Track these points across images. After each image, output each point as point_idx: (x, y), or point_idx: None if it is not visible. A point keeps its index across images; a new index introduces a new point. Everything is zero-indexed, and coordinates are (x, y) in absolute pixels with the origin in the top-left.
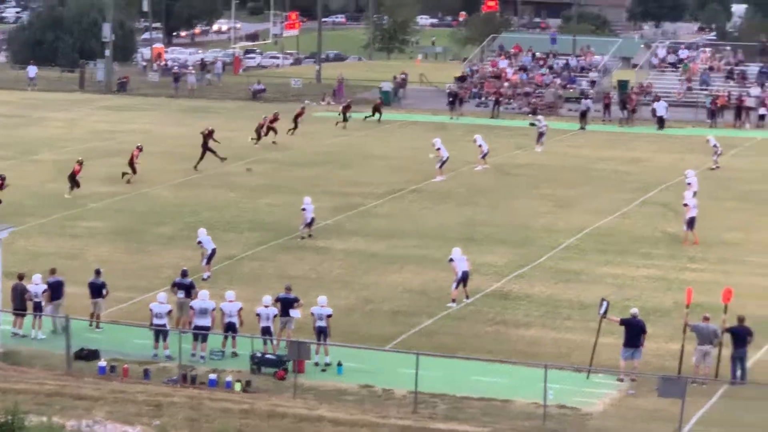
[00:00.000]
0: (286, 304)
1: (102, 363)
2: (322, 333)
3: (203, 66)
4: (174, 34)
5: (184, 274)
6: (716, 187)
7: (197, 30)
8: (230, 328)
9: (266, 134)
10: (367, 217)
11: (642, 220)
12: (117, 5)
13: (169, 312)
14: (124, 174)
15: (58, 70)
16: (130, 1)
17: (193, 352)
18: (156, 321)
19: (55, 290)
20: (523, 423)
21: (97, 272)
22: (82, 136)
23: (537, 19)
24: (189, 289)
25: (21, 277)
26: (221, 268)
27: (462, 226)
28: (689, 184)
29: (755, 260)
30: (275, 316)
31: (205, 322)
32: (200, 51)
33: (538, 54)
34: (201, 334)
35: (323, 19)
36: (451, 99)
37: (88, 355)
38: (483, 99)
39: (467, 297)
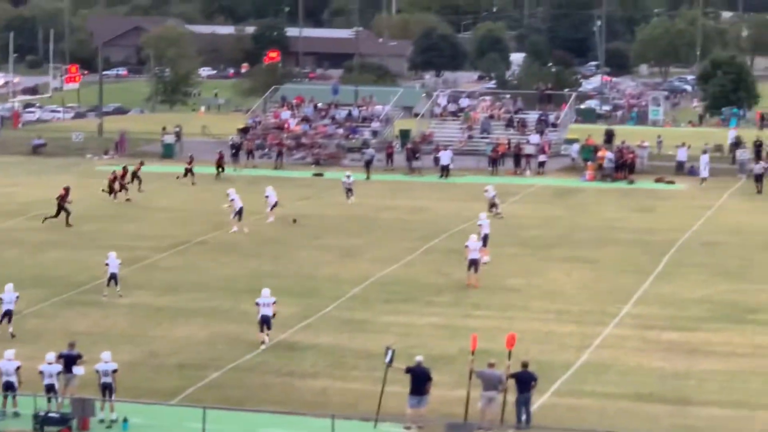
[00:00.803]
0: (69, 361)
1: None
2: (107, 389)
3: None
4: None
5: None
6: (497, 233)
7: None
8: (9, 387)
9: (120, 190)
10: (152, 271)
11: (426, 268)
12: None
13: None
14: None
15: None
16: None
17: None
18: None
19: None
20: None
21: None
22: None
23: (319, 70)
24: None
25: None
26: (3, 325)
27: (248, 278)
28: (480, 225)
29: (537, 305)
30: (59, 373)
31: (10, 378)
32: None
33: (320, 104)
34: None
35: (105, 72)
36: (234, 151)
37: None
38: (266, 150)
39: (263, 342)
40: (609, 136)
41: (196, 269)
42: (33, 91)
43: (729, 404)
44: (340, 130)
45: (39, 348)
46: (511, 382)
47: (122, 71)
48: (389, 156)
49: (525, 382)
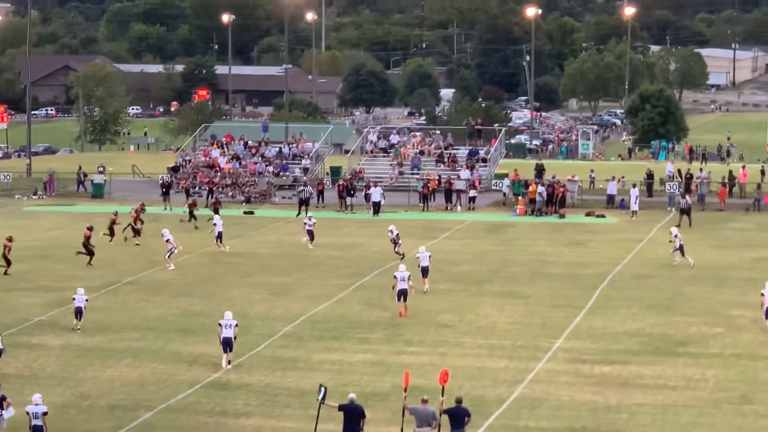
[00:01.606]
0: None
1: None
2: None
3: None
4: None
5: None
6: (429, 269)
7: None
8: None
9: (134, 234)
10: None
11: (358, 305)
12: None
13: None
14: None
15: None
16: None
17: None
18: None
19: None
20: None
21: None
22: None
23: (249, 107)
24: None
25: None
26: None
27: (178, 317)
28: (418, 257)
29: (469, 341)
30: None
31: None
32: None
33: (250, 142)
34: None
35: (33, 112)
36: (164, 190)
37: None
38: (197, 189)
39: (229, 363)
40: (539, 171)
41: (126, 309)
42: None
43: None
44: (270, 168)
45: None
46: (445, 418)
47: (51, 111)
48: (320, 193)
49: (459, 417)
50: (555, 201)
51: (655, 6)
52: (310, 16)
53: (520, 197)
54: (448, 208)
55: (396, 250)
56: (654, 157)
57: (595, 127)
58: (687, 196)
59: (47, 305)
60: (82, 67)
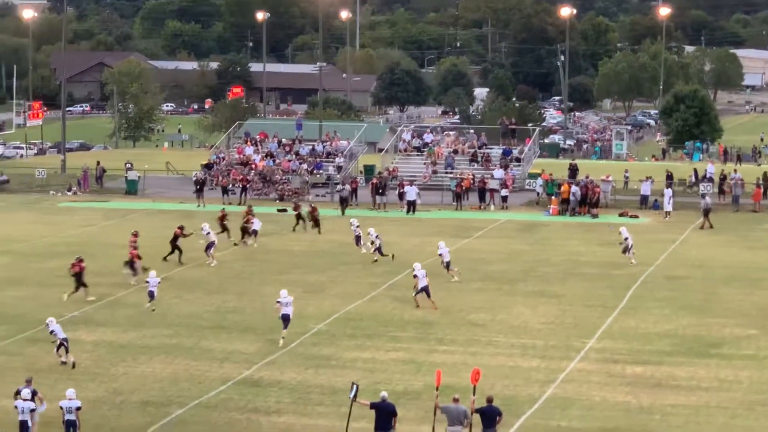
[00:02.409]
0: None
1: None
2: (71, 426)
3: None
4: None
5: None
6: (462, 268)
7: None
8: None
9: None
10: (115, 308)
11: (390, 304)
12: None
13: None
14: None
15: None
16: None
17: None
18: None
19: None
20: None
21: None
22: None
23: (283, 105)
24: None
25: None
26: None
27: (211, 314)
28: (441, 254)
29: (502, 340)
30: (32, 410)
31: None
32: None
33: (284, 140)
34: None
35: (68, 108)
36: (198, 187)
37: None
38: (230, 186)
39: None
40: (573, 171)
41: (159, 306)
42: None
43: None
44: (304, 166)
45: (3, 385)
46: (477, 417)
47: (86, 107)
48: (353, 191)
49: (490, 417)
50: (588, 201)
51: (691, 6)
52: (344, 14)
53: (553, 197)
54: (482, 207)
55: (376, 248)
56: (689, 158)
57: (629, 128)
58: (707, 197)
59: (81, 301)
60: (116, 64)
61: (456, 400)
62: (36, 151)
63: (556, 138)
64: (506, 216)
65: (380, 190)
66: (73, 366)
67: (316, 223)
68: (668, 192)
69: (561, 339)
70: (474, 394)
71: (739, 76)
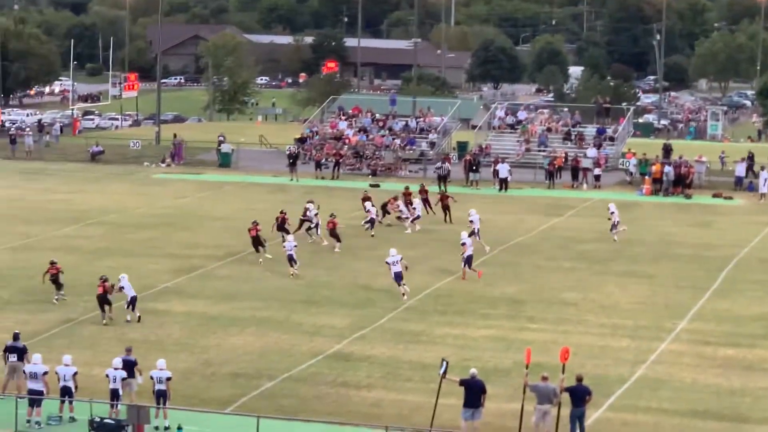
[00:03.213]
0: (128, 367)
1: None
2: (161, 396)
3: (41, 127)
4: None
5: (16, 337)
6: (553, 246)
7: (32, 91)
8: (66, 392)
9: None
10: (207, 280)
11: (482, 281)
12: None
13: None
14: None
15: None
16: None
17: (28, 418)
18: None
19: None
20: None
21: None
22: None
23: (377, 81)
24: (22, 353)
25: None
26: (60, 331)
27: (303, 288)
28: (471, 221)
29: (592, 319)
30: (123, 378)
31: (38, 386)
32: (38, 112)
33: (377, 115)
34: (36, 399)
35: (163, 80)
36: (291, 161)
37: None
38: (324, 161)
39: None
40: (667, 151)
41: (250, 279)
42: (92, 98)
43: None
44: (397, 141)
45: (95, 354)
46: (566, 397)
47: (179, 79)
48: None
49: (579, 396)
50: (682, 181)
51: None
52: None
53: (646, 177)
54: (574, 186)
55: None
56: None
57: (725, 108)
58: None
59: (173, 272)
60: (212, 37)
61: (545, 379)
62: (131, 123)
63: (650, 118)
64: (599, 195)
65: (474, 167)
66: (138, 320)
67: (446, 209)
68: (764, 174)
69: (652, 319)
70: (563, 373)
71: None
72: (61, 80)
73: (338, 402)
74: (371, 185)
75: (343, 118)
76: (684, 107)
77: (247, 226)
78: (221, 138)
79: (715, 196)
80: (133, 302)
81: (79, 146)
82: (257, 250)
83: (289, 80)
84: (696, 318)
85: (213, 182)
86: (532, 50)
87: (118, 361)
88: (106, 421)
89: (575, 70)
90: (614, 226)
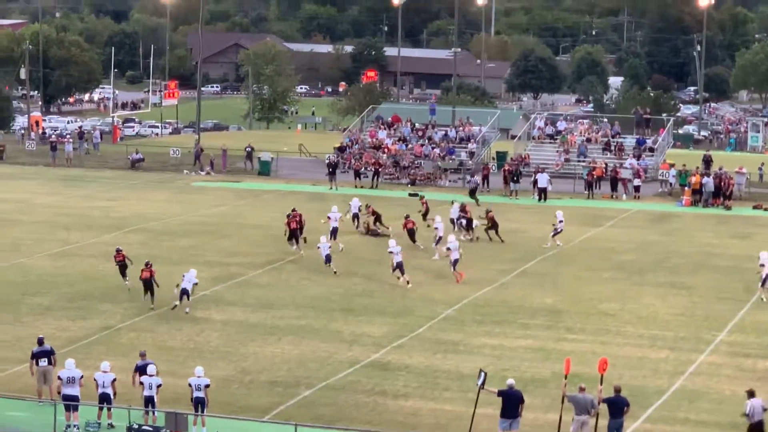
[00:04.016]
0: (144, 370)
1: None
2: (199, 404)
3: (81, 135)
4: (52, 102)
5: (41, 341)
6: (592, 257)
7: (72, 99)
8: (104, 399)
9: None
10: (246, 288)
11: (521, 291)
12: None
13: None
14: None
15: None
16: (7, 70)
17: (67, 423)
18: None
19: None
20: None
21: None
22: None
23: (416, 90)
24: (50, 356)
25: None
26: (98, 338)
27: (340, 297)
28: (436, 228)
29: (631, 330)
30: (159, 386)
31: (74, 391)
32: (78, 119)
33: (417, 125)
34: (72, 405)
35: (203, 88)
36: (330, 169)
37: None
38: (363, 170)
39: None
40: (707, 162)
41: (289, 287)
42: (133, 106)
43: None
44: (437, 151)
45: (133, 361)
46: (604, 407)
47: (215, 87)
48: (485, 178)
49: (618, 407)
50: (722, 193)
51: None
52: (480, 0)
53: (686, 188)
54: (614, 196)
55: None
56: None
57: (766, 120)
58: None
59: (212, 280)
60: (252, 46)
61: (582, 389)
62: (171, 131)
63: (690, 129)
64: (638, 206)
65: (514, 178)
66: (186, 312)
67: (494, 226)
68: None
69: (691, 331)
70: (601, 384)
71: None
72: (103, 87)
73: (376, 411)
74: (410, 194)
75: (382, 127)
76: (724, 118)
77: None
78: (248, 149)
79: (755, 207)
80: (186, 294)
81: (119, 154)
82: (292, 243)
83: (329, 89)
84: (735, 330)
85: (252, 190)
86: (572, 60)
87: (152, 368)
88: (144, 427)
89: (615, 81)
90: (556, 232)
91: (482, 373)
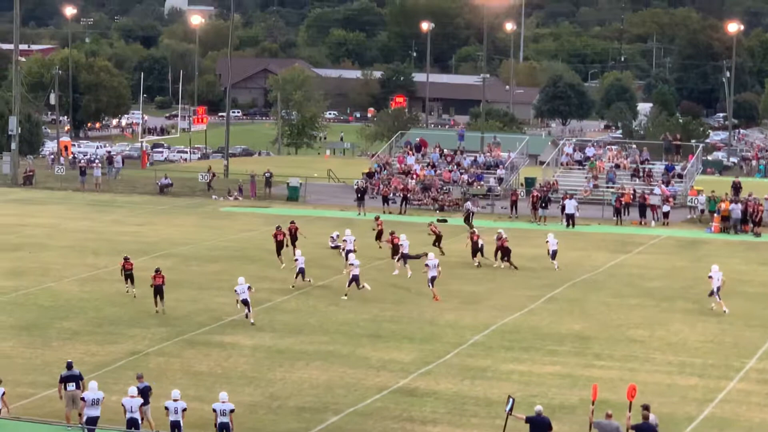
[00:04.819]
0: (145, 394)
1: None
2: (224, 429)
3: (110, 160)
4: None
5: (70, 366)
6: (620, 283)
7: (98, 124)
8: (132, 424)
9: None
10: (273, 313)
11: (548, 317)
12: (24, 99)
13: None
14: None
15: None
16: (36, 95)
17: None
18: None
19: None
20: None
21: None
22: None
23: (445, 116)
24: (78, 381)
25: None
26: (126, 363)
27: (368, 322)
28: (401, 245)
29: (659, 357)
30: (184, 410)
31: (96, 412)
32: (107, 144)
33: (445, 150)
34: (94, 426)
35: (231, 114)
36: (359, 195)
37: None
38: (391, 195)
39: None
40: (736, 189)
41: (317, 313)
42: (162, 131)
43: None
44: (465, 176)
45: (161, 386)
46: None
47: (238, 113)
48: (513, 204)
49: None
50: (752, 219)
51: None
52: (509, 26)
53: (715, 214)
54: (642, 222)
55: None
56: None
57: None
58: None
59: (240, 304)
60: (281, 71)
61: (609, 416)
62: (199, 156)
63: (719, 155)
64: (667, 232)
65: (542, 203)
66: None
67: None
68: None
69: (720, 358)
70: (630, 411)
71: None
72: (133, 113)
73: None
74: (439, 220)
75: (410, 153)
76: (754, 145)
77: (316, 260)
78: (267, 174)
79: None
80: (246, 304)
81: (148, 178)
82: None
83: (358, 114)
84: (765, 357)
85: (280, 216)
86: (601, 86)
87: (176, 393)
88: None
89: (644, 107)
90: (554, 254)
91: (511, 400)
